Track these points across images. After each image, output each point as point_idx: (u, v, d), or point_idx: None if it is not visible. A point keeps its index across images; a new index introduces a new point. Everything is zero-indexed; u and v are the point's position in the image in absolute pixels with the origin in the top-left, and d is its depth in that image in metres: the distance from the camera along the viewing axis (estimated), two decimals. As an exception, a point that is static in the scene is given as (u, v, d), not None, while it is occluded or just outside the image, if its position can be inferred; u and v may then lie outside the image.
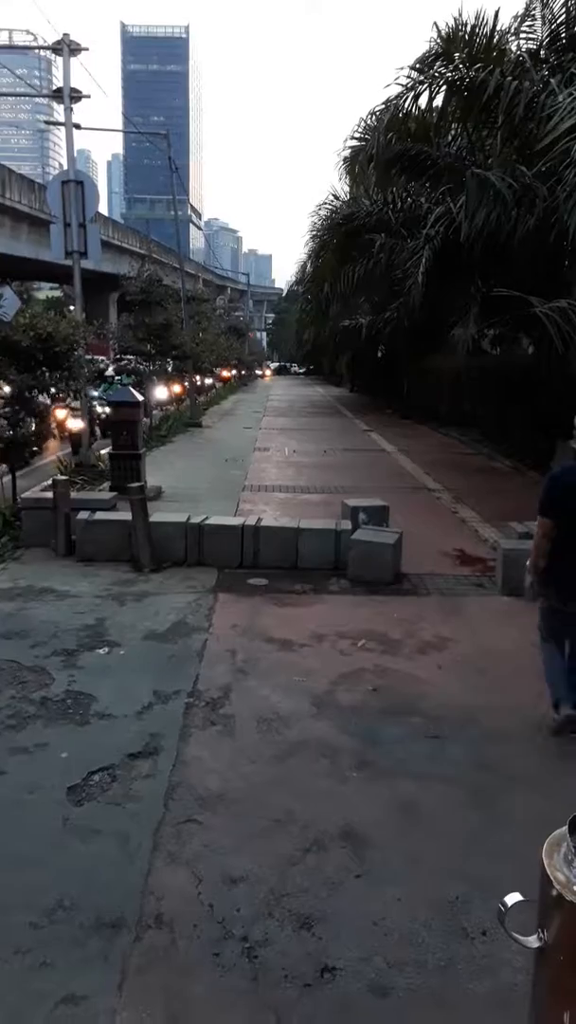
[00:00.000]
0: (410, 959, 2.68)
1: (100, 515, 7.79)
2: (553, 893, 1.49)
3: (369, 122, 13.87)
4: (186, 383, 23.73)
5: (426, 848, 3.24)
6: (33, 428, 9.34)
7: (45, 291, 65.33)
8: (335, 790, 3.72)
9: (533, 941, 1.56)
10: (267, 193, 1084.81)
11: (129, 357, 20.14)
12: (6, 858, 3.18)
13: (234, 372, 42.05)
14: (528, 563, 4.28)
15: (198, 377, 24.69)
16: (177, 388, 23.50)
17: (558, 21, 12.55)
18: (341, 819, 3.45)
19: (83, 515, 7.70)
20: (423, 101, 12.69)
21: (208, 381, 30.42)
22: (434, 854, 3.22)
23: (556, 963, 1.50)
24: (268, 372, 70.66)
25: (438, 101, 12.71)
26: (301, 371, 78.73)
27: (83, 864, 3.15)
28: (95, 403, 15.63)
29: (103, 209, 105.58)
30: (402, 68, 12.76)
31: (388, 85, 13.11)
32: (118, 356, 21.25)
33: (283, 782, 3.76)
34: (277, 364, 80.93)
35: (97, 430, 15.94)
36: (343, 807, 3.56)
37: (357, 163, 14.98)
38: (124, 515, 7.61)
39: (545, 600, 4.36)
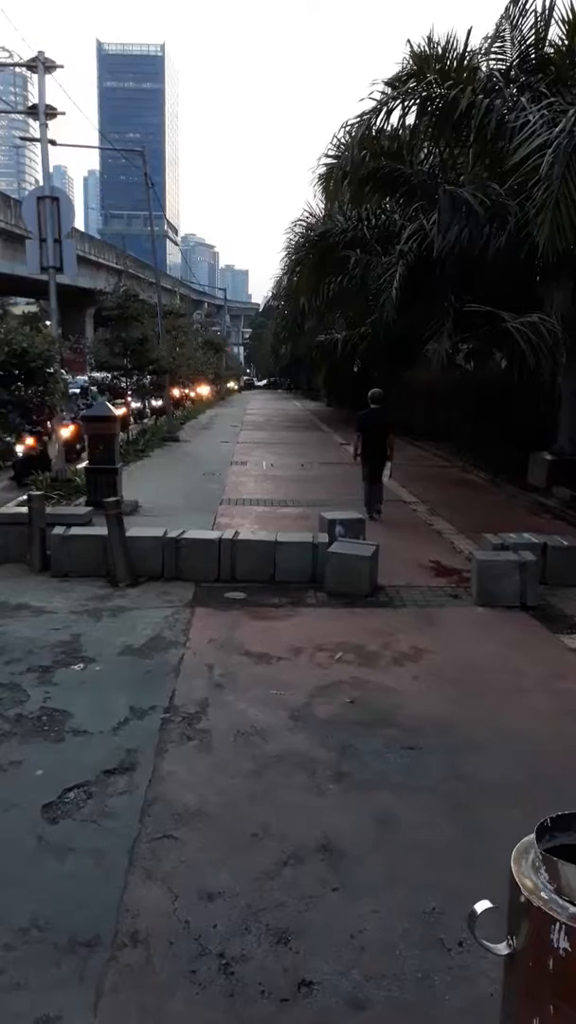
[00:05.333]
0: (387, 971, 2.68)
1: (76, 530, 7.74)
2: (521, 899, 1.50)
3: (343, 138, 13.97)
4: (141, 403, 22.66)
5: (403, 859, 3.24)
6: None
7: (21, 306, 64.89)
8: (312, 803, 3.72)
9: (502, 948, 1.57)
10: (244, 209, 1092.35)
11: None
12: (-21, 878, 3.14)
13: (188, 394, 37.12)
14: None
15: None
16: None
17: (527, 42, 12.76)
18: (319, 832, 3.44)
19: (58, 530, 7.65)
20: (395, 118, 12.80)
21: (156, 403, 27.82)
22: (411, 865, 3.23)
23: (525, 969, 1.52)
24: (236, 385, 72.32)
25: (411, 119, 12.83)
26: (261, 383, 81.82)
27: (58, 882, 3.12)
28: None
29: (80, 224, 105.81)
30: (375, 83, 12.87)
31: (362, 100, 13.15)
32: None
33: (260, 796, 3.75)
34: (245, 379, 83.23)
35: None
36: (320, 820, 3.56)
37: (332, 180, 15.04)
38: (100, 530, 7.58)
39: (362, 469, 10.69)
